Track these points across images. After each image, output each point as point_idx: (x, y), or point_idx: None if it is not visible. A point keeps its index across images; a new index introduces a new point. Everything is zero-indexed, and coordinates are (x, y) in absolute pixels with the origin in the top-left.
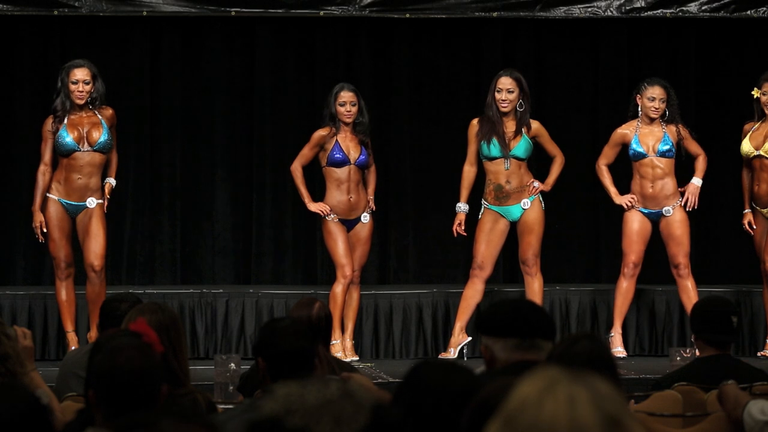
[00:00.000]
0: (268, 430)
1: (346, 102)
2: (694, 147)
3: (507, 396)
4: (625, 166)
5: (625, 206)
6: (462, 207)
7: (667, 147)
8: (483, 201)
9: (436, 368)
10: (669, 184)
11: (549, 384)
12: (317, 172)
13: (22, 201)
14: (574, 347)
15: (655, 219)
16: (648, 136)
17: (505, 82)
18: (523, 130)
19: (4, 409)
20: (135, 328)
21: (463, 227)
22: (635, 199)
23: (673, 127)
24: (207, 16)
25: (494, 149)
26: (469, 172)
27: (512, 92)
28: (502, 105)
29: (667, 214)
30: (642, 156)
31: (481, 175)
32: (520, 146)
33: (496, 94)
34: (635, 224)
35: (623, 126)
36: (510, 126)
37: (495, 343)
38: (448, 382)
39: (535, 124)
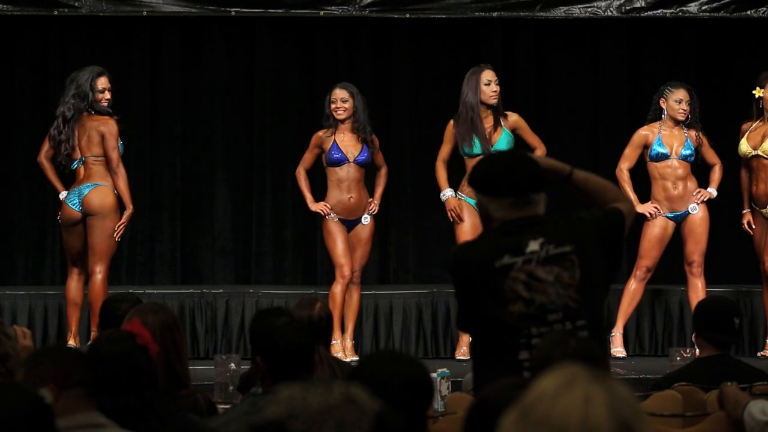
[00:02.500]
0: None
1: (337, 99)
2: (710, 155)
3: (507, 397)
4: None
5: (649, 215)
6: (449, 193)
7: (689, 152)
8: (459, 192)
9: (382, 359)
10: (692, 183)
11: (568, 381)
12: (319, 172)
13: (22, 201)
14: (563, 347)
15: (681, 220)
16: (671, 138)
17: (492, 75)
18: (501, 121)
19: (9, 409)
20: (130, 328)
21: (458, 211)
22: (658, 208)
23: (693, 132)
24: (207, 16)
25: (476, 147)
26: (442, 167)
27: (498, 84)
28: (492, 98)
29: (693, 212)
30: (665, 157)
31: (461, 170)
32: (502, 140)
33: (484, 87)
34: (656, 230)
35: (644, 128)
36: (488, 121)
37: (490, 203)
38: (393, 372)
39: (513, 116)
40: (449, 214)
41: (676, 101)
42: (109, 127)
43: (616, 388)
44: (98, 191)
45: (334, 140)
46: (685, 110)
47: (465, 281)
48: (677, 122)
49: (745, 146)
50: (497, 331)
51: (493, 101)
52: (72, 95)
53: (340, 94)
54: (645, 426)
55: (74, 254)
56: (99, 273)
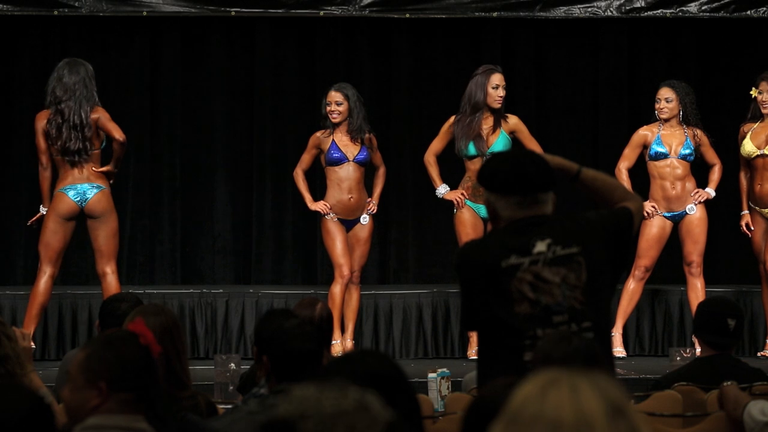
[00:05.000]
0: None
1: (332, 102)
2: (710, 155)
3: (505, 396)
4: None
5: (646, 215)
6: (443, 190)
7: (688, 151)
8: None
9: (351, 355)
10: (690, 183)
11: (550, 380)
12: (319, 173)
13: (21, 201)
14: (566, 346)
15: (679, 220)
16: (670, 138)
17: (501, 79)
18: (501, 123)
19: (10, 409)
20: (133, 328)
21: (460, 196)
22: (656, 207)
23: (692, 131)
24: (207, 16)
25: (473, 148)
26: (433, 161)
27: (505, 89)
28: (497, 102)
29: (691, 212)
30: (663, 156)
31: (459, 170)
32: (498, 143)
33: (491, 90)
34: (654, 229)
35: (644, 128)
36: (488, 122)
37: (497, 201)
38: (371, 368)
39: (513, 119)
40: (455, 201)
41: (656, 101)
42: (102, 112)
43: (597, 377)
44: (102, 195)
45: (333, 140)
46: (661, 108)
47: (471, 280)
48: (665, 121)
49: (749, 146)
50: (502, 332)
51: (497, 105)
52: (93, 90)
53: (334, 96)
54: (634, 408)
55: (57, 251)
56: (112, 272)
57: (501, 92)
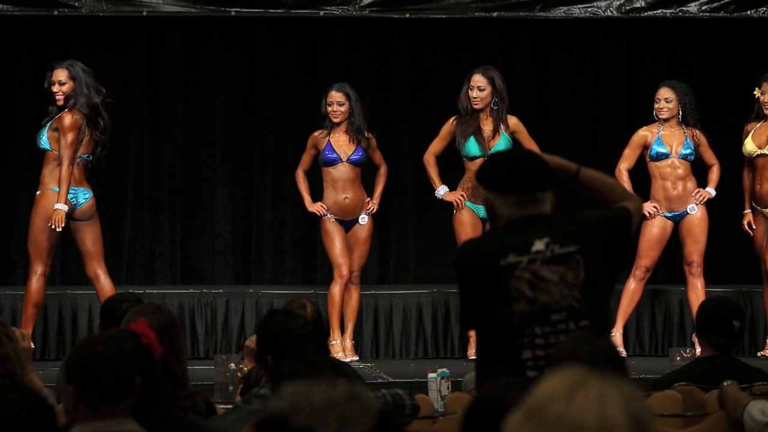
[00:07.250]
0: (274, 428)
1: (333, 102)
2: (708, 155)
3: (504, 396)
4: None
5: (647, 215)
6: (443, 191)
7: (689, 151)
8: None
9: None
10: (691, 183)
11: (579, 380)
12: (318, 173)
13: (21, 201)
14: (591, 346)
15: (680, 220)
16: (671, 138)
17: (477, 80)
18: (502, 127)
19: (12, 409)
20: (135, 328)
21: (460, 197)
22: (657, 207)
23: (691, 131)
24: (207, 16)
25: (474, 148)
26: (432, 162)
27: (483, 90)
28: (474, 103)
29: (692, 212)
30: (665, 156)
31: (459, 170)
32: (500, 145)
33: (469, 91)
34: (655, 229)
35: (644, 128)
36: (488, 125)
37: (496, 199)
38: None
39: (513, 120)
40: (455, 203)
41: (656, 101)
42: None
43: (625, 387)
44: (91, 200)
45: (329, 140)
46: (661, 108)
47: (469, 279)
48: (665, 121)
49: (750, 145)
50: (500, 330)
51: (475, 106)
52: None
53: (336, 96)
54: (654, 423)
55: (47, 249)
56: (104, 273)
57: (475, 93)
